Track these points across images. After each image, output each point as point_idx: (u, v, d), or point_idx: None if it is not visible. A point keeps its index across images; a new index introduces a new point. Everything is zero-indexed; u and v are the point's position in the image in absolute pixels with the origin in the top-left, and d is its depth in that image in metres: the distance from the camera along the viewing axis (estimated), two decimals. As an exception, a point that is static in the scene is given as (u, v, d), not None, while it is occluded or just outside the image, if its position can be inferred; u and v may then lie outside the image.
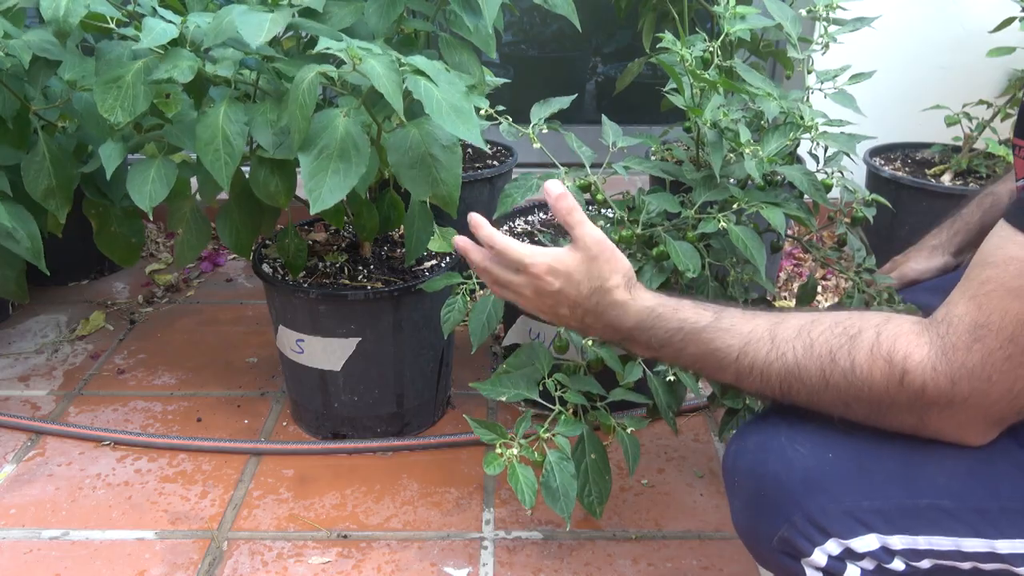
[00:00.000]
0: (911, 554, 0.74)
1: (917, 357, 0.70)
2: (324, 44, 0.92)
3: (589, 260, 0.86)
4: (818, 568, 0.75)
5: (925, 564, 0.74)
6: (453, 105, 0.96)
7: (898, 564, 0.74)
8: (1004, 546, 0.72)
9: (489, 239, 0.88)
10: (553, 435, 0.99)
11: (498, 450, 0.95)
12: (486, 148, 1.13)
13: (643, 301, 0.85)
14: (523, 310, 0.93)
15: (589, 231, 0.86)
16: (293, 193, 1.22)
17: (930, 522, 0.73)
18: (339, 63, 0.97)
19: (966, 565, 0.74)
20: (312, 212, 0.99)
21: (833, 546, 0.74)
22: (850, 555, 0.74)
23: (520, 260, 0.87)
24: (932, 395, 0.71)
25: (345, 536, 1.24)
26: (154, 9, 1.11)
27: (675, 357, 0.85)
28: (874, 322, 0.74)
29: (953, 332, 0.69)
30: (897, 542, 0.73)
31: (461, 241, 0.92)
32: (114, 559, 1.20)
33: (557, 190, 0.86)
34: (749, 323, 0.80)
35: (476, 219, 0.90)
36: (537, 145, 1.19)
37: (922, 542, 0.73)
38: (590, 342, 1.08)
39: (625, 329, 0.86)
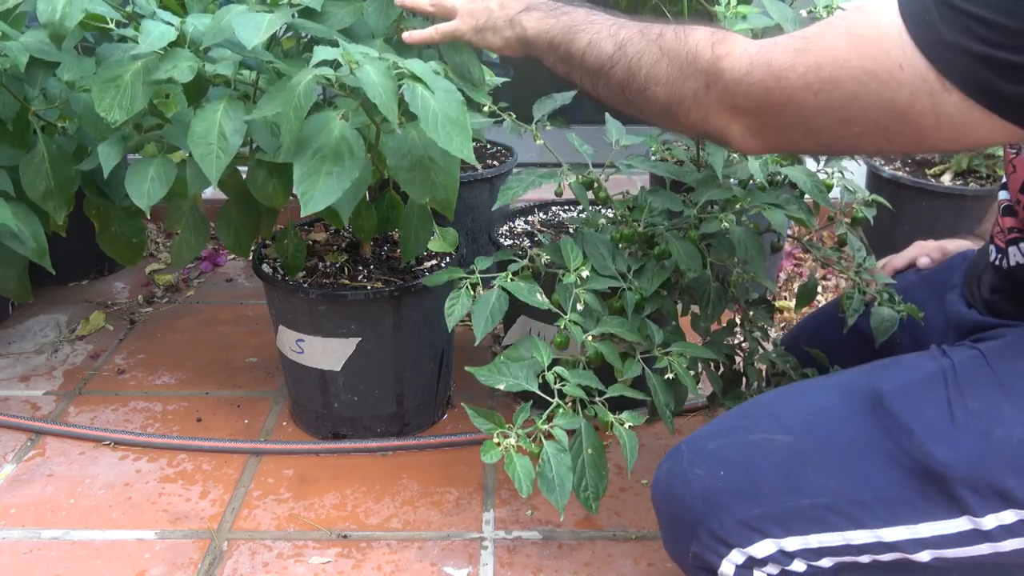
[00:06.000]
0: (808, 554, 0.77)
1: (740, 43, 0.73)
2: (320, 55, 0.92)
3: None
4: None
5: (826, 563, 0.77)
6: (448, 116, 0.95)
7: (799, 565, 0.77)
8: (889, 534, 0.74)
9: None
10: (551, 427, 0.98)
11: (495, 439, 0.95)
12: (478, 165, 1.15)
13: None
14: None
15: None
16: (290, 194, 1.21)
17: (815, 520, 0.75)
18: (337, 65, 0.97)
19: (864, 558, 0.76)
20: (303, 214, 0.98)
21: (737, 555, 0.78)
22: (754, 562, 0.78)
23: None
24: (725, 66, 0.73)
25: (345, 536, 1.24)
26: (153, 12, 1.11)
27: (567, 38, 0.91)
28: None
29: (788, 34, 0.71)
30: (791, 544, 0.76)
31: None
32: (114, 559, 1.20)
33: None
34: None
35: None
36: (540, 141, 1.19)
37: (813, 541, 0.76)
38: (590, 338, 1.07)
39: None
